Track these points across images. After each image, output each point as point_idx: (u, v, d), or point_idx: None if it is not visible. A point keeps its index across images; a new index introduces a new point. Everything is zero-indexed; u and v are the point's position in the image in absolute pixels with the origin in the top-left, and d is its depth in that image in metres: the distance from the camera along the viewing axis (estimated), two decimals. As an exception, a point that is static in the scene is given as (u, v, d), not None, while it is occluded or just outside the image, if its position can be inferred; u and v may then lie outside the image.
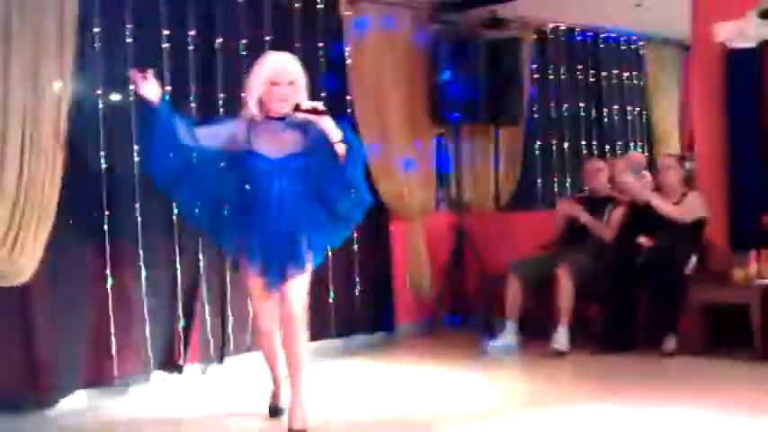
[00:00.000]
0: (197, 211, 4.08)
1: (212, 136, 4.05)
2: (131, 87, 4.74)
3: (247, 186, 4.01)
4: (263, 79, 4.03)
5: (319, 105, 4.03)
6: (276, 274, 4.00)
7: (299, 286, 4.05)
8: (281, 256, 3.99)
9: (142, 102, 4.01)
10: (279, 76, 4.02)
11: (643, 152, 8.26)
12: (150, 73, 3.91)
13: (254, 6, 5.73)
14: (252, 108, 4.05)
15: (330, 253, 5.89)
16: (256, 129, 4.06)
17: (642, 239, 5.79)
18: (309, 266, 4.09)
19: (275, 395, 4.43)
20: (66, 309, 4.84)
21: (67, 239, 4.82)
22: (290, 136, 4.07)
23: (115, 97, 5.11)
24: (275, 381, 4.42)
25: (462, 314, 6.89)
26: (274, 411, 4.40)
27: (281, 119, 4.07)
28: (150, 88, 3.90)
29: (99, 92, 5.01)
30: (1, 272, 4.55)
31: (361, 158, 4.10)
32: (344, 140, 3.98)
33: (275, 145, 4.05)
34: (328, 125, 3.98)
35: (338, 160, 3.97)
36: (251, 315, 5.10)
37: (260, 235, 3.98)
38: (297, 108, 4.02)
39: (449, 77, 6.59)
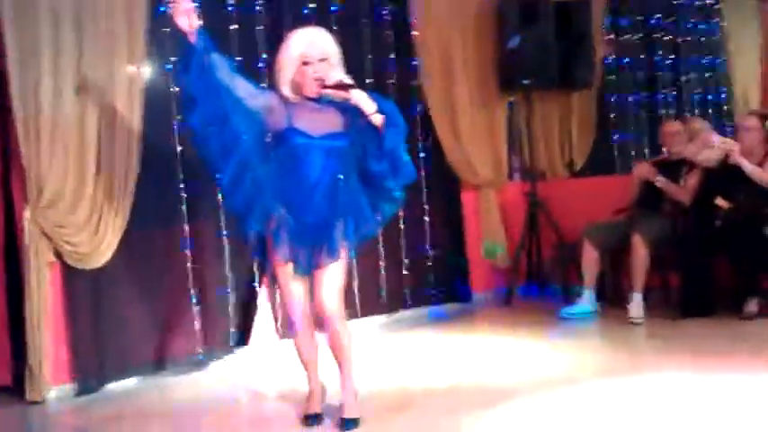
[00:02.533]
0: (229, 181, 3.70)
1: (252, 95, 3.69)
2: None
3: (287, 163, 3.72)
4: (293, 58, 3.68)
5: (345, 78, 3.71)
6: (307, 261, 3.72)
7: (331, 280, 3.73)
8: (314, 243, 3.71)
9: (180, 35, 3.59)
10: (310, 53, 3.67)
11: (723, 110, 8.04)
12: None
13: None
14: (285, 92, 3.72)
15: (402, 224, 6.05)
16: (294, 107, 3.72)
17: (720, 201, 5.65)
18: (344, 256, 3.77)
19: (311, 401, 3.97)
20: (145, 289, 5.03)
21: (146, 222, 4.99)
22: (330, 115, 3.75)
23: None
24: (311, 386, 3.99)
25: (539, 283, 6.87)
26: (312, 419, 3.93)
27: (317, 99, 3.74)
28: (184, 19, 3.50)
29: (170, 76, 5.13)
30: (83, 254, 4.75)
31: (401, 130, 3.74)
32: (381, 111, 3.67)
33: (317, 123, 3.72)
34: (359, 97, 3.66)
35: (378, 135, 3.67)
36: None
37: (296, 218, 3.70)
38: (323, 86, 3.69)
39: (518, 42, 6.51)
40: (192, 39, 3.50)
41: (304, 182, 3.70)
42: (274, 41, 5.10)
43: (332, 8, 5.82)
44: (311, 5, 5.73)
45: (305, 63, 3.67)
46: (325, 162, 3.72)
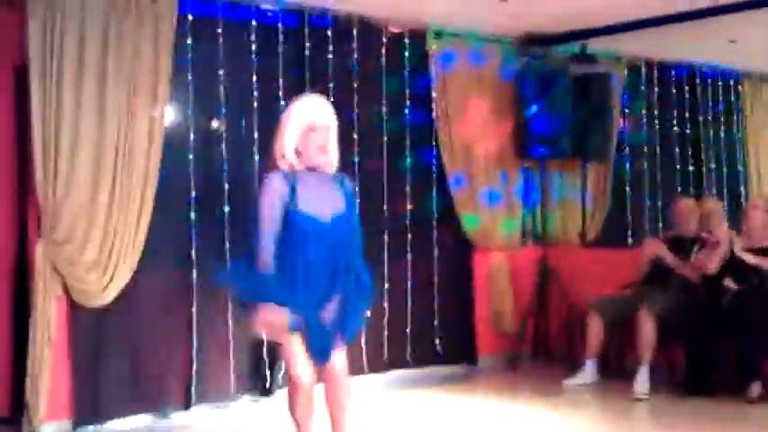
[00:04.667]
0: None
1: (274, 223, 3.56)
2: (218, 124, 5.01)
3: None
4: (301, 125, 3.57)
5: None
6: (328, 352, 3.61)
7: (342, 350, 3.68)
8: (335, 332, 3.62)
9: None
10: (318, 121, 3.58)
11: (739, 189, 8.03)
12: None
13: (343, 41, 5.88)
14: (289, 159, 3.58)
15: (411, 281, 6.10)
16: (297, 180, 3.57)
17: (728, 282, 5.60)
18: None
19: None
20: (149, 330, 5.06)
21: (155, 264, 5.03)
22: (332, 189, 3.65)
23: (206, 127, 5.34)
24: None
25: (545, 350, 6.81)
26: None
27: (313, 168, 3.62)
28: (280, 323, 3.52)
29: (190, 123, 5.24)
30: (90, 292, 4.79)
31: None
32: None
33: (322, 202, 3.60)
34: None
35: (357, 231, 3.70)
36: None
37: (316, 308, 3.57)
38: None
39: (536, 111, 6.55)
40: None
41: (320, 270, 3.58)
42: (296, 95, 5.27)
43: (354, 67, 5.93)
44: (331, 61, 5.83)
45: (311, 129, 3.59)
46: (337, 248, 3.62)
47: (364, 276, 3.72)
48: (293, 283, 3.53)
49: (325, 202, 3.61)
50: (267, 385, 5.44)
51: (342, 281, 3.61)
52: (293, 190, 3.55)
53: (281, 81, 5.56)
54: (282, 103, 5.33)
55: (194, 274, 5.19)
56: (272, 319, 3.52)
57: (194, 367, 5.19)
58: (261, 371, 5.43)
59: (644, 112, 7.58)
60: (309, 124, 3.58)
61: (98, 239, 4.77)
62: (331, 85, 5.78)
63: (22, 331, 4.61)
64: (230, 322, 5.26)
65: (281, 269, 3.54)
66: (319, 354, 3.59)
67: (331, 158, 3.67)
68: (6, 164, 4.76)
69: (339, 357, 3.66)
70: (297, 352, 3.58)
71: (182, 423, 5.08)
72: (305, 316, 3.53)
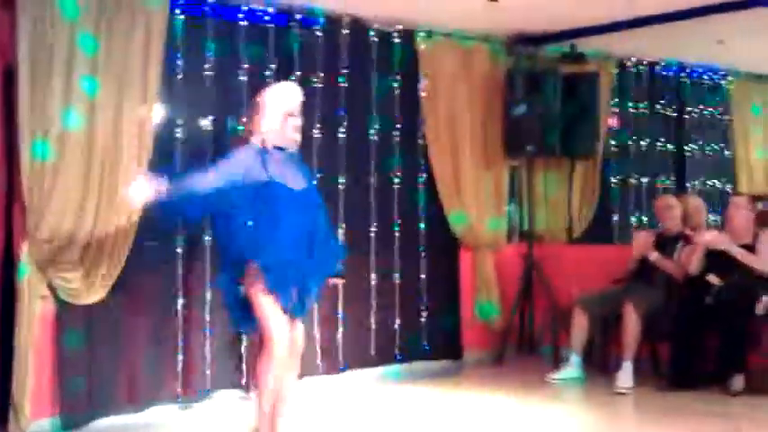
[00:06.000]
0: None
1: (226, 175, 3.96)
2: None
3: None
4: (281, 111, 4.06)
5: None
6: (304, 304, 4.06)
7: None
8: (312, 287, 4.08)
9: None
10: (296, 107, 4.10)
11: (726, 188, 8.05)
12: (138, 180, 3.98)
13: (331, 40, 5.86)
14: (268, 137, 4.04)
15: (399, 278, 6.14)
16: (268, 157, 4.01)
17: (712, 278, 5.62)
18: None
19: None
20: (135, 328, 5.04)
21: (142, 263, 5.01)
22: (297, 167, 4.14)
23: (195, 125, 5.32)
24: (274, 413, 4.10)
25: (530, 345, 6.85)
26: None
27: (281, 149, 4.08)
28: (139, 194, 3.93)
29: (179, 122, 5.23)
30: (76, 290, 4.77)
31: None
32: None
33: (293, 176, 4.07)
34: None
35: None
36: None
37: (289, 263, 3.96)
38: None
39: (524, 111, 6.54)
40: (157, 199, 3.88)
41: (291, 230, 3.96)
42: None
43: (341, 66, 5.91)
44: (320, 58, 5.83)
45: (290, 115, 4.07)
46: (305, 213, 4.03)
47: (334, 242, 4.32)
48: (280, 247, 3.92)
49: (294, 175, 4.08)
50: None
51: (317, 244, 4.02)
52: (264, 162, 3.99)
53: (270, 80, 5.49)
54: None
55: (180, 272, 5.18)
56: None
57: (181, 365, 5.19)
58: (248, 367, 5.39)
59: (632, 111, 7.56)
60: (289, 111, 4.07)
61: (84, 238, 4.72)
62: (320, 84, 5.78)
63: (7, 331, 4.58)
64: (217, 319, 5.24)
65: (265, 236, 3.92)
66: (299, 308, 4.01)
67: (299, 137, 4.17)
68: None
69: (300, 326, 4.10)
70: (277, 312, 3.94)
71: (169, 420, 5.08)
72: (290, 274, 3.93)
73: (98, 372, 4.88)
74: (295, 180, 4.06)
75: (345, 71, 5.92)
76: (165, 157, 5.11)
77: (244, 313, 4.04)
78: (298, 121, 4.10)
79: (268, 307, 3.92)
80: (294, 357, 4.08)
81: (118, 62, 4.83)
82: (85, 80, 4.72)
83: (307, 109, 5.34)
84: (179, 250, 5.21)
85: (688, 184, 7.89)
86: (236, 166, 3.98)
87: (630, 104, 7.56)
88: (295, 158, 4.15)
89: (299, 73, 5.67)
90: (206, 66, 5.32)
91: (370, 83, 6.06)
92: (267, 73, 5.54)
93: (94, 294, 4.79)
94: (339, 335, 5.89)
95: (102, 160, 4.81)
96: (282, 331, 3.94)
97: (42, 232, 4.61)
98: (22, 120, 4.53)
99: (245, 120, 4.36)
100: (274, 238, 3.91)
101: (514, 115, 6.57)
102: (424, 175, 6.39)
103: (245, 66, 5.47)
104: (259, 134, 4.05)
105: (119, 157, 4.86)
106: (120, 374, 4.96)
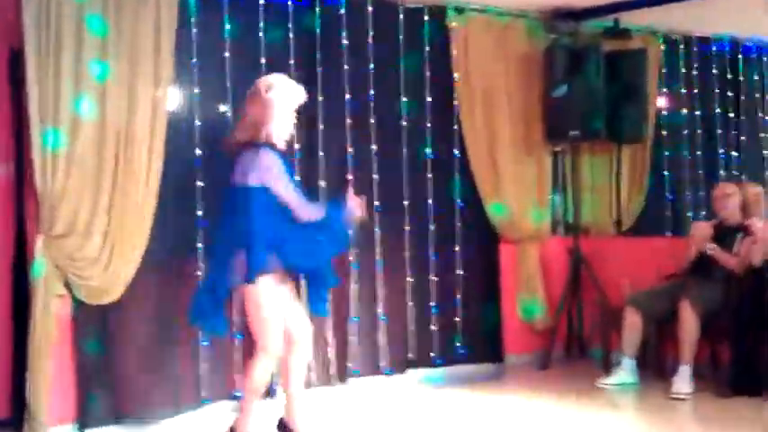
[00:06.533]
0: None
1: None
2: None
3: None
4: (291, 108, 4.34)
5: None
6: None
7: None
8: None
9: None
10: (298, 103, 4.39)
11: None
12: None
13: (358, 17, 5.92)
14: (277, 139, 4.31)
15: (433, 276, 6.22)
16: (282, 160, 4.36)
17: (774, 272, 5.59)
18: None
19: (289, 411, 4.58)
20: (157, 328, 5.10)
21: (160, 259, 5.07)
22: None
23: (212, 110, 5.39)
24: (290, 397, 4.57)
25: (578, 347, 6.85)
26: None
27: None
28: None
29: (195, 107, 5.30)
30: (93, 288, 4.81)
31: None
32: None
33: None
34: None
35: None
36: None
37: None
38: None
39: (565, 91, 6.54)
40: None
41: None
42: (306, 79, 5.35)
43: (367, 47, 5.96)
44: (345, 42, 5.87)
45: (294, 112, 4.37)
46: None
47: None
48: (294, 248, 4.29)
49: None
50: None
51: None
52: (287, 167, 4.37)
53: (291, 62, 5.59)
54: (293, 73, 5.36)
55: (201, 267, 5.23)
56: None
57: (202, 366, 5.26)
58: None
59: (683, 91, 7.52)
60: (295, 109, 4.38)
61: (100, 233, 4.81)
62: (345, 66, 5.84)
63: (23, 331, 4.66)
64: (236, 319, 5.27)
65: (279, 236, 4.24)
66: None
67: None
68: (2, 152, 4.80)
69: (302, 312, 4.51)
70: (277, 326, 4.30)
71: (190, 423, 5.16)
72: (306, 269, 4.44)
73: (118, 374, 4.95)
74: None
75: (371, 52, 5.96)
76: (180, 146, 5.19)
77: (218, 317, 4.35)
78: (293, 121, 4.42)
79: (269, 318, 4.26)
80: (304, 343, 4.47)
81: (128, 43, 4.91)
82: (96, 64, 4.81)
83: (332, 95, 5.69)
84: (200, 245, 5.26)
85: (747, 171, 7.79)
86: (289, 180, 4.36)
87: (679, 83, 7.51)
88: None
89: (320, 54, 5.75)
90: (222, 47, 5.38)
91: (398, 65, 6.10)
92: (288, 55, 5.61)
93: (112, 292, 4.86)
94: (379, 336, 6.00)
95: (116, 149, 4.89)
96: (278, 344, 4.33)
97: (57, 228, 4.68)
98: (31, 107, 4.62)
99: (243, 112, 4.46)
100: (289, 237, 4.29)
101: (555, 97, 6.57)
102: (459, 164, 6.41)
103: (264, 47, 5.53)
104: (266, 131, 4.27)
105: (132, 145, 4.93)
106: (141, 377, 5.03)
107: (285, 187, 4.25)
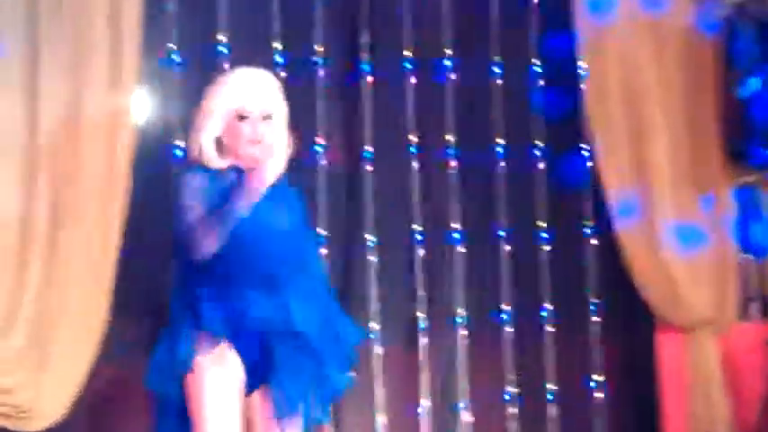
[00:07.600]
0: None
1: None
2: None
3: None
4: (226, 109, 3.79)
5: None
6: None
7: None
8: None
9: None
10: (250, 106, 3.77)
11: None
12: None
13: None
14: (207, 153, 3.78)
15: (552, 373, 5.79)
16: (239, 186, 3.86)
17: None
18: None
19: None
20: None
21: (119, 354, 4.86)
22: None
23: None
24: None
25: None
26: None
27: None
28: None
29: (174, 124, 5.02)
30: (19, 408, 4.56)
31: None
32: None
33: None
34: None
35: None
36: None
37: None
38: None
39: (758, 89, 5.87)
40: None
41: None
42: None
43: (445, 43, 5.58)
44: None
45: (241, 117, 3.78)
46: None
47: None
48: None
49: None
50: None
51: None
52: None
53: (315, 47, 5.25)
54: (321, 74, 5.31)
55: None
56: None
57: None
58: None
59: None
60: (240, 110, 3.77)
61: (28, 321, 4.58)
62: (412, 79, 5.52)
63: None
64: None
65: None
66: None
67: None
68: None
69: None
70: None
71: None
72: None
73: None
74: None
75: (450, 52, 5.62)
76: (153, 182, 4.89)
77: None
78: (253, 128, 3.79)
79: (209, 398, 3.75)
80: None
81: (68, 36, 4.72)
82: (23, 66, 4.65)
83: (390, 115, 5.53)
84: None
85: None
86: None
87: None
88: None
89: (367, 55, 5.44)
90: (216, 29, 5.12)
91: (494, 45, 5.71)
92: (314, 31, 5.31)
93: (50, 410, 4.61)
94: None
95: (53, 190, 4.64)
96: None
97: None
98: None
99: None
100: None
101: (741, 96, 5.86)
102: (589, 196, 5.86)
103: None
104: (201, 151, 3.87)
105: (79, 184, 4.68)
106: None
107: None
